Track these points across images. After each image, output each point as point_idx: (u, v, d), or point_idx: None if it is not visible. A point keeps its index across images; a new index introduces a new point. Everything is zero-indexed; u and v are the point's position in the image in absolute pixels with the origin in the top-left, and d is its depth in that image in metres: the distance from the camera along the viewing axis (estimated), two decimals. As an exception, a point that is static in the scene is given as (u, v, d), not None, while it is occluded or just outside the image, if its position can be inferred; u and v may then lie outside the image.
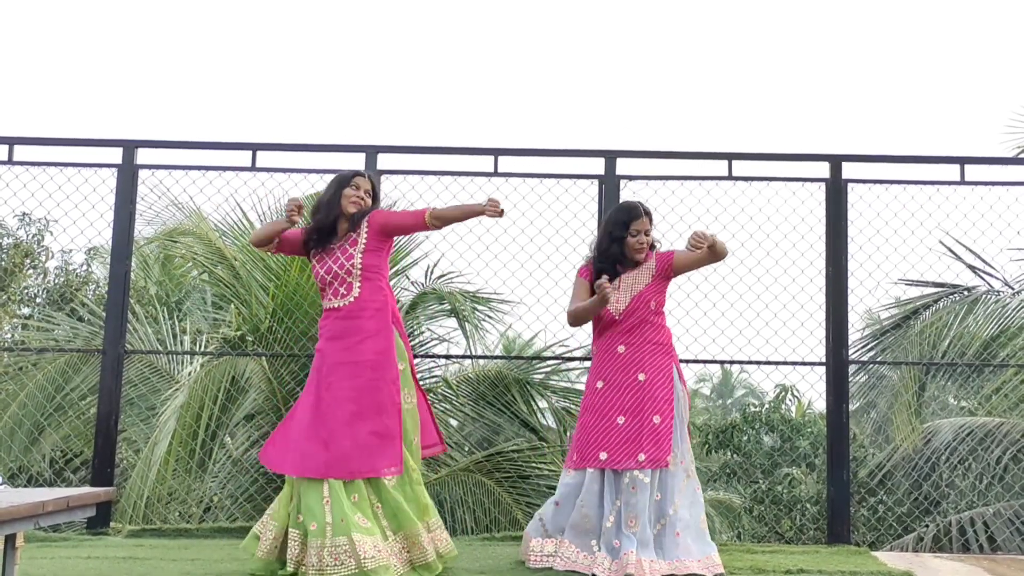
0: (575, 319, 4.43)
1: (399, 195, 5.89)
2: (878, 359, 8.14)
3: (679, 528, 4.18)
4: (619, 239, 4.35)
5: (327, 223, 4.22)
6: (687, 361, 5.36)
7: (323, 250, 4.23)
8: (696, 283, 5.64)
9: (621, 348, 4.31)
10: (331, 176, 5.75)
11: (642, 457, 4.15)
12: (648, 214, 4.40)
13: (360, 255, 4.15)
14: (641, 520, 4.11)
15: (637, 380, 4.26)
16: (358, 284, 4.14)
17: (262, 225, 4.24)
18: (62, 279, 11.82)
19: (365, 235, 4.18)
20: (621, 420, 4.22)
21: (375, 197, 4.32)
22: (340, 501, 3.88)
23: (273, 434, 4.18)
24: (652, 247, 4.44)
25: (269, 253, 4.93)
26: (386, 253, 4.28)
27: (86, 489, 3.56)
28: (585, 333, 5.97)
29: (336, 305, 4.16)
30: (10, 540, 3.23)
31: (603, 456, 4.20)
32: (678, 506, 4.21)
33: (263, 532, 4.06)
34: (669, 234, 5.55)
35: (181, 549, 4.83)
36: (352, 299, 4.14)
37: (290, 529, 3.99)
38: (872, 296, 5.82)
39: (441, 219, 4.15)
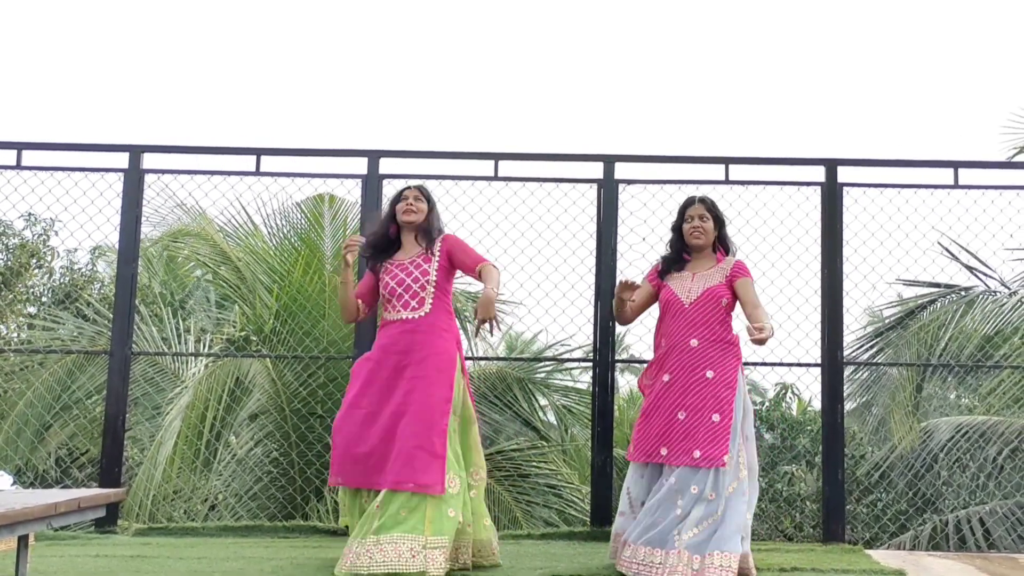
0: (615, 315, 4.53)
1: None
2: (875, 359, 8.22)
3: (722, 526, 4.10)
4: (677, 228, 4.51)
5: (381, 233, 4.40)
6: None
7: (390, 262, 4.34)
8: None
9: (694, 342, 4.28)
10: (333, 181, 5.97)
11: (697, 454, 4.12)
12: (704, 202, 4.49)
13: (435, 272, 4.28)
14: (689, 520, 4.06)
15: (705, 377, 4.24)
16: (430, 299, 4.24)
17: (341, 302, 4.44)
18: (67, 279, 11.92)
19: (438, 255, 4.32)
20: (682, 416, 4.20)
21: (430, 203, 4.43)
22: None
23: (336, 453, 4.20)
24: (728, 251, 4.50)
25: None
26: (452, 279, 4.40)
27: (97, 490, 3.66)
28: (585, 336, 6.08)
29: (404, 317, 4.22)
30: (23, 539, 3.32)
31: (664, 452, 4.20)
32: (727, 505, 4.13)
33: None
34: (667, 238, 5.60)
35: (188, 547, 4.92)
36: (424, 312, 4.21)
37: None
38: (867, 298, 5.89)
39: (482, 280, 4.20)
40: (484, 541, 4.30)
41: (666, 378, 4.29)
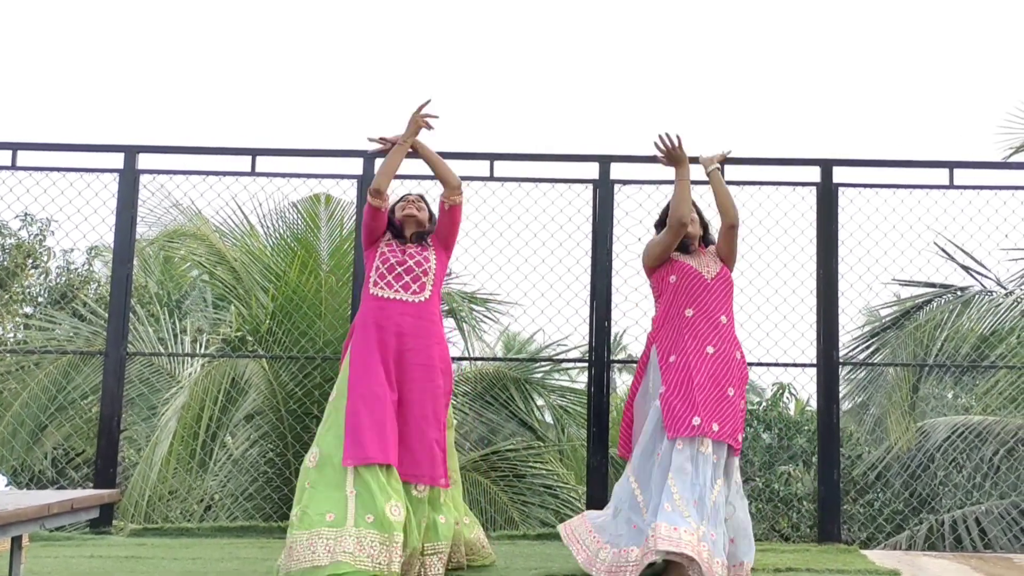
0: (676, 209, 4.21)
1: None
2: (872, 359, 8.23)
3: (743, 532, 4.04)
4: (661, 224, 4.40)
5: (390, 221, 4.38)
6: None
7: (396, 240, 4.32)
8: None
9: (724, 319, 4.19)
10: (329, 181, 5.98)
11: (740, 437, 4.03)
12: None
13: (434, 260, 4.27)
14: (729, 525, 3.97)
15: (735, 356, 4.15)
16: (430, 287, 4.24)
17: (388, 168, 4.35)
18: (63, 279, 11.92)
19: (433, 249, 4.32)
20: (731, 392, 4.04)
21: (432, 212, 4.43)
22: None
23: (351, 430, 3.91)
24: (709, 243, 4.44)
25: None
26: (447, 265, 4.43)
27: (90, 491, 3.65)
28: (581, 336, 6.08)
29: (405, 299, 4.17)
30: (16, 540, 3.32)
31: (715, 427, 3.92)
32: (740, 508, 4.08)
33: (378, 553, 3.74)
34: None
35: (183, 548, 4.91)
36: (424, 299, 4.20)
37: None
38: (863, 298, 5.90)
39: (444, 185, 4.35)
40: (471, 540, 4.32)
41: (710, 350, 4.09)
